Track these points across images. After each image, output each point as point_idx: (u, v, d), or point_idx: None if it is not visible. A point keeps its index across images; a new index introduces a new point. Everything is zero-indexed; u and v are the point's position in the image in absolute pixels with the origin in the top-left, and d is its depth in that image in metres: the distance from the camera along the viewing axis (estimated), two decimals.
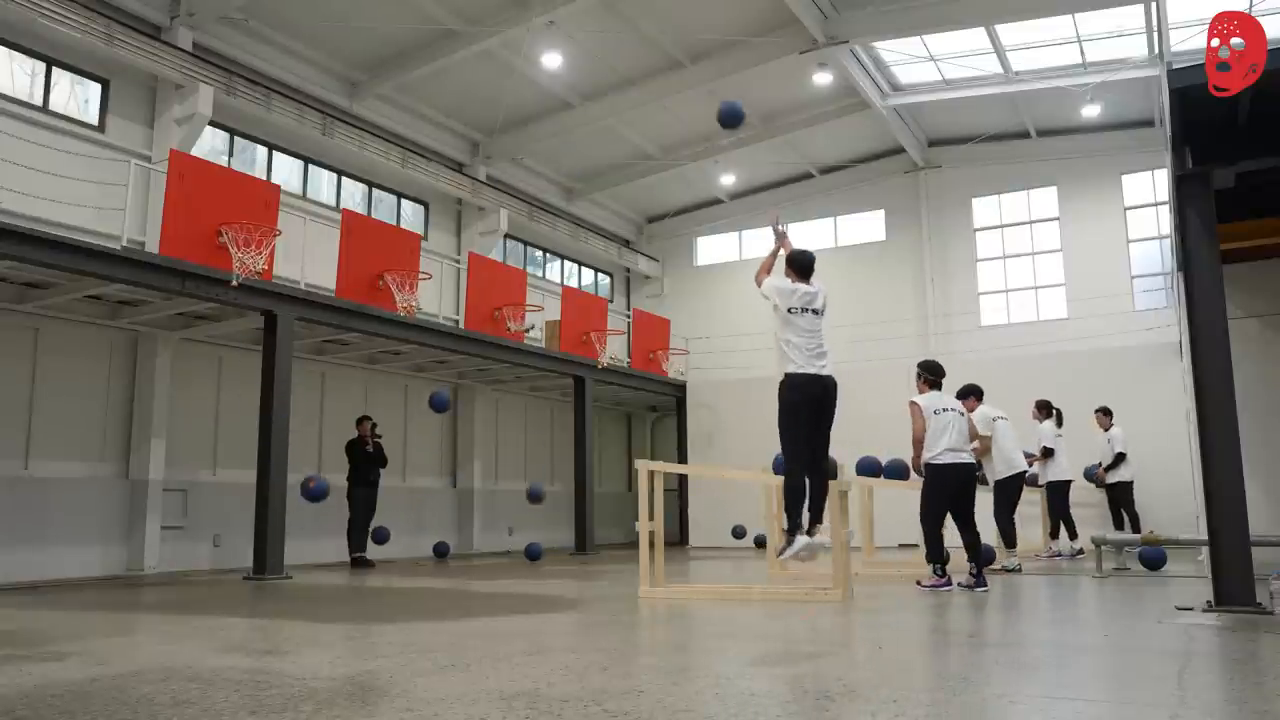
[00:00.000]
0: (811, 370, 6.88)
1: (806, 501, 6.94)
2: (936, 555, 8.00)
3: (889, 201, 20.05)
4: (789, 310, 7.00)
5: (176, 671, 4.11)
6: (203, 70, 12.38)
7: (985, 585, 7.80)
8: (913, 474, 8.75)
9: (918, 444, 8.11)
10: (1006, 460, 9.81)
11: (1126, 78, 15.88)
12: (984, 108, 17.63)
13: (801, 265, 7.29)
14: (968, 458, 8.19)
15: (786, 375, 6.94)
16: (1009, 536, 9.93)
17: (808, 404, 6.91)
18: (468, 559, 14.96)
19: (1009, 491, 9.90)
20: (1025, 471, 10.17)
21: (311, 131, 14.10)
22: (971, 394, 9.98)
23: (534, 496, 13.99)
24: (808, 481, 6.93)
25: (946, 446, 7.98)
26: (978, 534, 8.07)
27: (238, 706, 3.34)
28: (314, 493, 11.47)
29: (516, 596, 8.20)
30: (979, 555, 7.97)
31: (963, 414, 8.28)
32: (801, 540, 6.84)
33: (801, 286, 7.13)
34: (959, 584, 7.91)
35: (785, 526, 7.03)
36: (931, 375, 8.39)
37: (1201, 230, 6.16)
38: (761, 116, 18.23)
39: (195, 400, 12.61)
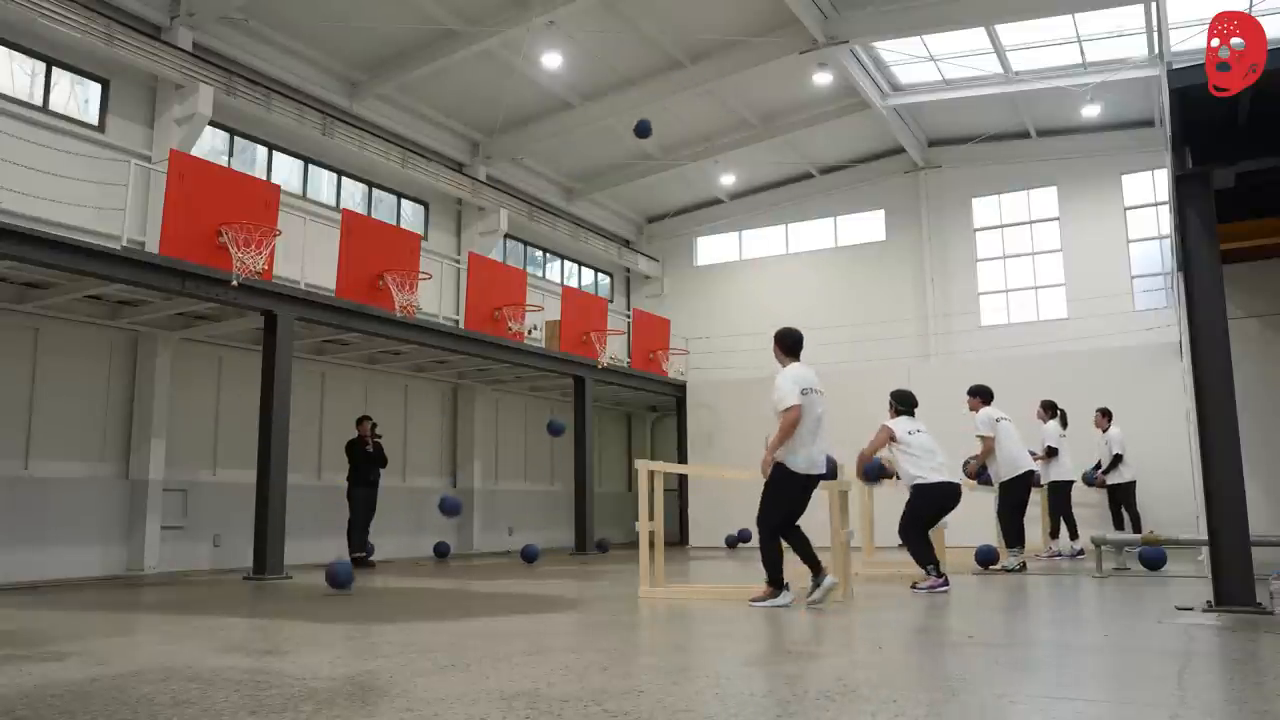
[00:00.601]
0: (813, 469, 6.63)
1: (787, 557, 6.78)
2: (928, 558, 8.11)
3: (889, 201, 20.05)
4: (803, 392, 6.60)
5: (176, 671, 4.11)
6: (203, 70, 12.38)
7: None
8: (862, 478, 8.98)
9: (865, 459, 8.49)
10: (1011, 461, 9.83)
11: (1126, 78, 15.88)
12: (984, 108, 17.63)
13: (793, 342, 6.94)
14: (955, 477, 8.52)
15: (787, 466, 6.59)
16: (1011, 535, 9.94)
17: (802, 498, 6.73)
18: (468, 559, 14.96)
19: (1015, 492, 9.92)
20: (1032, 472, 10.18)
21: (311, 131, 14.09)
22: (979, 395, 10.05)
23: (555, 430, 13.83)
24: (793, 539, 6.74)
25: (941, 463, 8.33)
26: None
27: (238, 706, 3.34)
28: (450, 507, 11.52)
29: (516, 596, 8.20)
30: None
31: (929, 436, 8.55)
32: (787, 596, 6.61)
33: (801, 368, 6.82)
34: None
35: (768, 579, 6.73)
36: (903, 405, 8.63)
37: (1201, 230, 6.16)
38: (761, 116, 18.24)
39: (195, 400, 12.61)
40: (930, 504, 8.29)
